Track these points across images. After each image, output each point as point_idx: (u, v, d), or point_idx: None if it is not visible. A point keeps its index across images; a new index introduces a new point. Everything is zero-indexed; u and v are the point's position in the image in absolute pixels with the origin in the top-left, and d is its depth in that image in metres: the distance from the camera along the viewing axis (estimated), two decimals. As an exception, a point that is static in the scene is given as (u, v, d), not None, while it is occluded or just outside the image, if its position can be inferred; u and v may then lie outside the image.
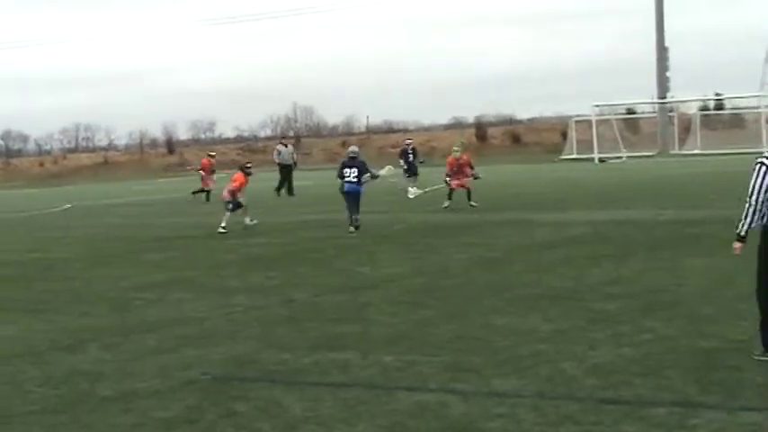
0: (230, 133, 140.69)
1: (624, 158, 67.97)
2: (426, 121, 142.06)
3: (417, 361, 10.22)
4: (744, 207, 9.85)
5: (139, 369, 10.60)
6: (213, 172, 42.97)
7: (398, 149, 43.55)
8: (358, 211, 25.13)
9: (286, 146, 45.20)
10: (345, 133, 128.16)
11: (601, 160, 66.12)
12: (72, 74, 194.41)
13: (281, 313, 13.58)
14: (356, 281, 16.28)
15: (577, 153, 75.44)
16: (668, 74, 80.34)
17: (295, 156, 45.89)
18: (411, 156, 39.14)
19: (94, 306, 15.08)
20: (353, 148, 27.39)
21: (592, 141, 71.69)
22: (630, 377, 9.12)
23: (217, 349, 11.35)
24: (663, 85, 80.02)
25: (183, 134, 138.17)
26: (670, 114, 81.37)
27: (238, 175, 28.01)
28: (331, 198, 30.46)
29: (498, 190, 39.43)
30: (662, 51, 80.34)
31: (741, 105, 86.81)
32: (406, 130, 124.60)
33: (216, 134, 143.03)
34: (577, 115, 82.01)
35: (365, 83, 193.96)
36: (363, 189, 25.65)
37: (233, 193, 27.40)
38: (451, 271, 16.81)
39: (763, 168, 9.68)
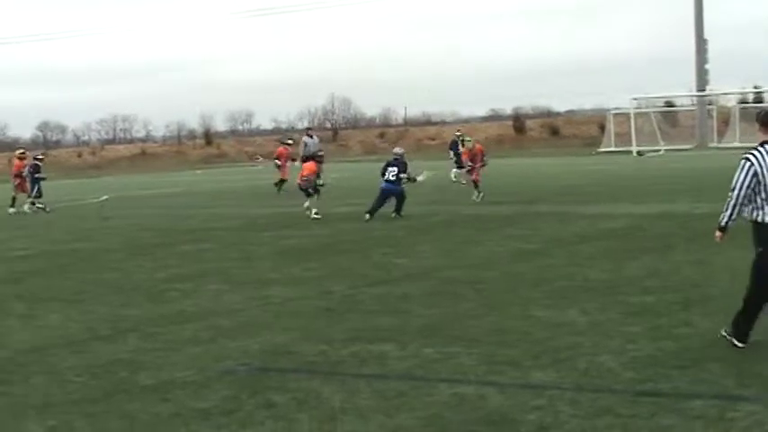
0: (268, 125, 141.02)
1: (662, 151, 67.71)
2: (464, 112, 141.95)
3: (456, 353, 10.23)
4: (728, 200, 10.24)
5: (177, 359, 10.65)
6: (293, 160, 40.92)
7: (449, 141, 43.64)
8: (401, 208, 26.49)
9: (312, 137, 45.19)
10: (383, 125, 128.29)
11: (639, 153, 65.90)
12: (109, 65, 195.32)
13: (318, 305, 13.61)
14: (394, 272, 16.29)
15: (615, 146, 75.26)
16: (707, 66, 79.99)
17: (321, 147, 45.79)
18: (460, 147, 39.14)
19: (132, 296, 15.16)
20: (398, 150, 28.54)
21: (630, 134, 71.50)
22: (668, 370, 9.10)
23: (254, 340, 11.39)
24: (702, 78, 79.66)
25: (220, 125, 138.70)
26: (709, 107, 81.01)
27: (310, 164, 29.28)
28: (368, 190, 30.48)
29: (536, 182, 39.37)
30: (701, 43, 79.98)
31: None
32: (444, 123, 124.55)
33: (253, 125, 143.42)
34: (616, 108, 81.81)
35: (403, 75, 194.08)
36: (401, 188, 26.72)
37: (308, 179, 28.49)
38: (490, 263, 16.80)
39: (747, 164, 9.95)
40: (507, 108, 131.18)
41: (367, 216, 25.78)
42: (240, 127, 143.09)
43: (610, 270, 15.28)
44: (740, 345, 9.88)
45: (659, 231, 20.39)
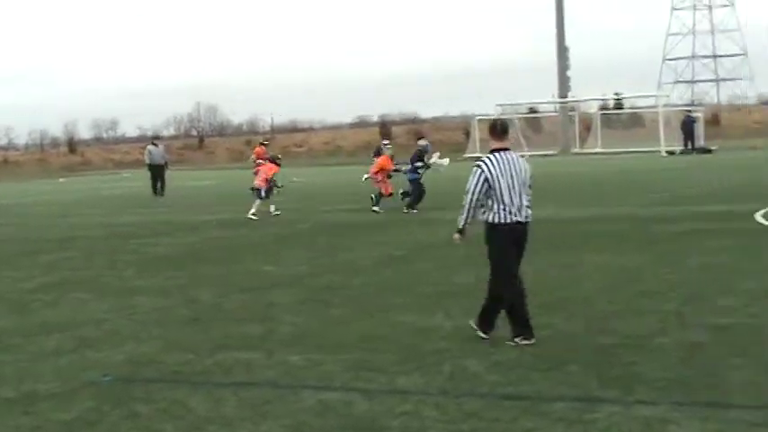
0: (133, 132, 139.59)
1: (526, 157, 68.55)
2: (332, 119, 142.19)
3: (322, 360, 10.25)
4: (463, 204, 10.90)
5: (40, 371, 10.49)
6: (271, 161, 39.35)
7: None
8: (409, 194, 28.66)
9: (157, 146, 45.30)
10: (250, 132, 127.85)
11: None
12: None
13: (184, 314, 13.52)
14: (261, 280, 16.25)
15: (481, 152, 75.87)
16: (569, 73, 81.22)
17: (166, 156, 45.83)
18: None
19: (-6, 308, 14.88)
20: (423, 142, 32.28)
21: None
22: (531, 373, 9.25)
23: (119, 350, 11.27)
24: (564, 85, 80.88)
25: (84, 133, 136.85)
26: (571, 113, 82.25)
27: (271, 166, 30.14)
28: (235, 197, 30.36)
29: (403, 188, 39.54)
30: (562, 51, 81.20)
31: (640, 105, 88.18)
32: (311, 129, 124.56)
33: (118, 133, 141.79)
34: (481, 114, 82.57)
35: (270, 82, 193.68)
36: (417, 177, 28.70)
37: (267, 180, 29.15)
38: (358, 269, 16.85)
39: (479, 170, 10.74)
40: (374, 115, 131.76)
41: (403, 198, 28.54)
42: (105, 135, 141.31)
43: (474, 274, 15.40)
44: (485, 336, 10.77)
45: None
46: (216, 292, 15.13)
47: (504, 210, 10.71)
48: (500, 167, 10.68)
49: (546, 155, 70.12)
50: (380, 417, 8.16)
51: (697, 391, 8.42)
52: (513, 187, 10.69)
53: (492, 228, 10.83)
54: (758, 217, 21.45)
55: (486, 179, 10.66)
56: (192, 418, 8.44)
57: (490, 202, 10.73)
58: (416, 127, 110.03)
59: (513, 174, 10.70)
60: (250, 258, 19.16)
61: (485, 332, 10.84)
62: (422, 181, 29.01)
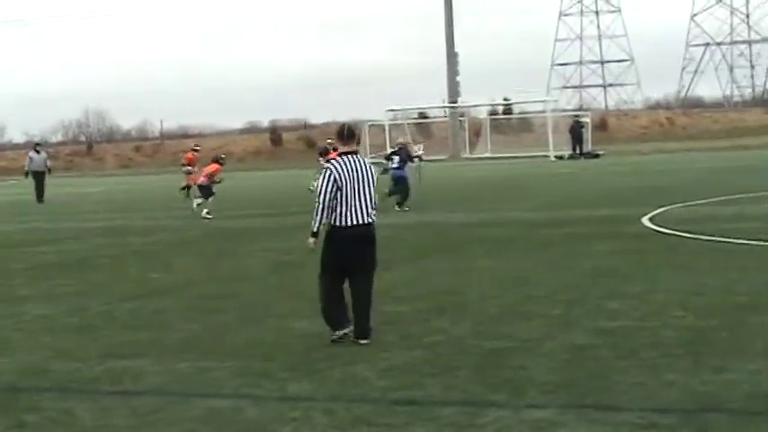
0: (20, 138, 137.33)
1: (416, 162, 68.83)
2: (221, 125, 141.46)
3: (212, 367, 10.18)
4: (314, 207, 11.08)
5: (-77, 382, 10.28)
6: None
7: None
8: (404, 190, 29.60)
9: (39, 152, 44.94)
10: (139, 138, 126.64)
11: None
12: None
13: (72, 322, 13.33)
14: (150, 287, 16.11)
15: (371, 157, 76.13)
16: (458, 79, 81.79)
17: (48, 163, 45.40)
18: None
19: None
20: (401, 140, 33.15)
21: (385, 146, 72.44)
22: (422, 378, 9.28)
23: (5, 359, 11.08)
24: (453, 90, 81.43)
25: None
26: (461, 119, 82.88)
27: (214, 166, 30.75)
28: (124, 204, 30.06)
29: (293, 195, 39.49)
30: (452, 57, 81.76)
31: (529, 110, 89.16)
32: (201, 135, 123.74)
33: (5, 139, 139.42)
34: (371, 120, 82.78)
35: (159, 87, 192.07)
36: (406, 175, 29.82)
37: (210, 176, 30.07)
38: (247, 276, 16.79)
39: (328, 172, 11.06)
40: (264, 121, 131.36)
41: (389, 196, 29.10)
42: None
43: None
44: (335, 335, 10.99)
45: (414, 241, 20.77)
46: (104, 300, 14.94)
47: (350, 212, 11.00)
48: (347, 170, 11.04)
49: (436, 160, 70.48)
50: (270, 423, 8.13)
51: (585, 393, 8.52)
52: (360, 190, 11.04)
53: (334, 229, 11.11)
54: (645, 221, 21.79)
55: (335, 180, 10.98)
56: (79, 427, 8.33)
57: (336, 205, 11.02)
58: (307, 133, 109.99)
59: (360, 177, 11.08)
60: (138, 266, 18.98)
61: (334, 329, 11.08)
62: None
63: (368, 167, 11.26)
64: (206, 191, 30.03)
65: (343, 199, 10.96)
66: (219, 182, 30.72)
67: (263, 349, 10.92)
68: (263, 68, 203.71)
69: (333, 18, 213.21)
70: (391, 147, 31.32)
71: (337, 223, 11.03)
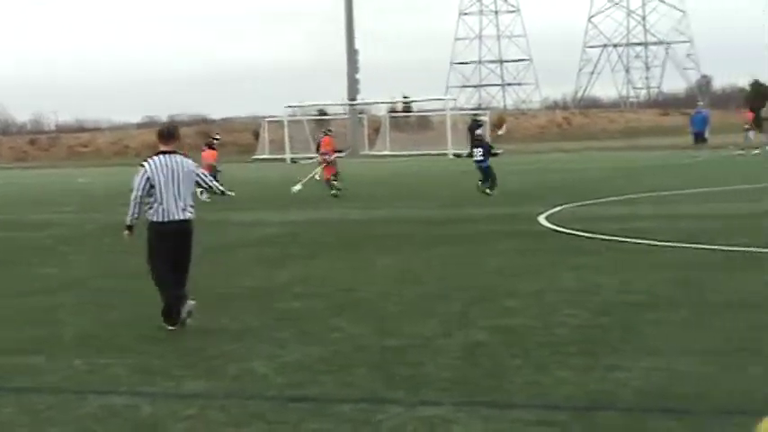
0: None
1: (315, 159, 68.83)
2: (119, 119, 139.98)
3: (107, 364, 10.08)
4: (130, 201, 11.76)
5: None
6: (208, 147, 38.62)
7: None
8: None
9: None
10: (34, 131, 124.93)
11: (293, 161, 66.78)
12: None
13: (-37, 317, 13.11)
14: (44, 283, 15.89)
15: (270, 153, 76.03)
16: (358, 76, 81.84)
17: None
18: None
19: None
20: (480, 132, 34.23)
21: (284, 142, 72.38)
22: (318, 375, 9.28)
23: None
24: (353, 87, 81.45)
25: None
26: (360, 116, 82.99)
27: (210, 152, 33.95)
28: (18, 199, 29.64)
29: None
30: (352, 54, 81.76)
31: (428, 108, 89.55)
32: (97, 129, 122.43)
33: None
34: (270, 116, 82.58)
35: (56, 80, 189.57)
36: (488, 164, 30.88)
37: (211, 167, 32.10)
38: (143, 272, 16.57)
39: (143, 170, 11.66)
40: (163, 115, 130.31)
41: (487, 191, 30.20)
42: None
43: (262, 277, 15.44)
44: (171, 327, 11.54)
45: (312, 238, 20.77)
46: (-4, 296, 14.72)
47: (165, 209, 11.57)
48: (163, 169, 11.60)
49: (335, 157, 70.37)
50: (165, 420, 8.07)
51: (480, 391, 8.58)
52: (175, 188, 11.59)
53: (152, 225, 11.69)
54: (542, 219, 22.00)
55: (149, 178, 11.55)
56: (-31, 425, 8.20)
57: (153, 201, 11.60)
58: (206, 128, 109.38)
59: (176, 176, 11.60)
60: (32, 261, 18.71)
61: (171, 324, 11.58)
62: None
63: (184, 166, 11.76)
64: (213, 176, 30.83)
65: (158, 196, 11.54)
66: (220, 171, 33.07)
67: (158, 346, 10.85)
68: (162, 63, 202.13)
69: (233, 13, 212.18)
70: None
71: (154, 219, 11.65)
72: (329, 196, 31.70)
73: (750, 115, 56.72)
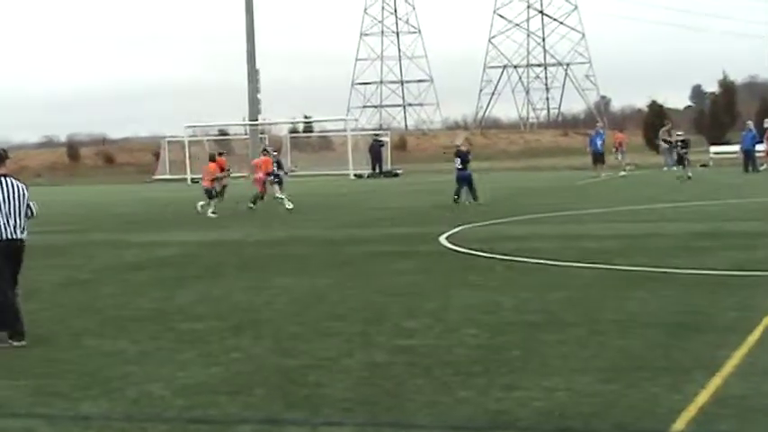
0: None
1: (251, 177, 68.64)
2: (16, 138, 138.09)
3: (3, 386, 9.93)
4: None
5: None
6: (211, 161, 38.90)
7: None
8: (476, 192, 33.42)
9: None
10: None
11: (193, 180, 66.37)
12: None
13: None
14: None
15: (171, 173, 75.52)
16: (259, 96, 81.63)
17: None
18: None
19: None
20: (459, 141, 37.14)
21: (184, 162, 72.00)
22: (218, 396, 9.21)
23: None
24: (254, 107, 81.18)
25: None
26: (261, 136, 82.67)
27: (212, 165, 34.41)
28: None
29: (91, 210, 38.92)
30: (253, 73, 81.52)
31: (329, 128, 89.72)
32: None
33: None
34: (171, 136, 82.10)
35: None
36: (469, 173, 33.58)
37: (212, 180, 33.36)
38: (37, 293, 16.36)
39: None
40: (62, 135, 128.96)
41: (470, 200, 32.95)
42: None
43: (162, 298, 15.30)
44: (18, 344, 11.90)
45: (212, 259, 20.63)
46: None
47: (1, 228, 12.10)
48: None
49: (237, 176, 70.15)
50: (62, 444, 7.97)
51: (381, 411, 8.58)
52: (9, 208, 12.14)
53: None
54: (442, 240, 22.08)
55: None
56: None
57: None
58: (106, 148, 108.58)
59: (10, 197, 12.17)
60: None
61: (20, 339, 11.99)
62: None
63: (18, 188, 12.32)
64: (210, 193, 33.22)
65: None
66: (223, 177, 34.70)
67: (55, 368, 10.70)
68: (61, 82, 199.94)
69: (133, 32, 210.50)
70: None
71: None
72: (229, 217, 31.56)
73: (620, 137, 57.78)
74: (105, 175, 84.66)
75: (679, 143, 43.43)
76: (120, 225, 30.82)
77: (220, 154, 38.06)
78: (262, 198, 34.98)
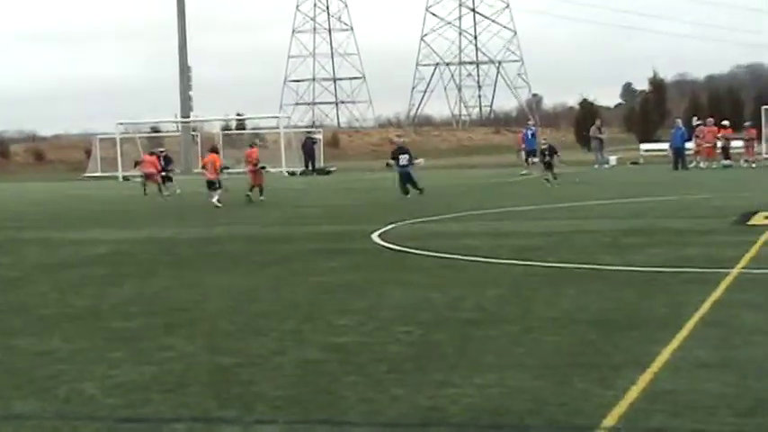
0: None
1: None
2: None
3: (-71, 386, 9.82)
4: None
5: None
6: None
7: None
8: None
9: None
10: None
11: (125, 178, 66.03)
12: None
13: None
14: None
15: (102, 171, 75.14)
16: (191, 93, 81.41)
17: None
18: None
19: None
20: (399, 140, 39.83)
21: (116, 159, 71.62)
22: (151, 395, 9.17)
23: None
24: (186, 104, 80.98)
25: None
26: (193, 133, 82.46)
27: (214, 156, 36.76)
28: None
29: (20, 208, 38.55)
30: (185, 71, 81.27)
31: (262, 125, 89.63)
32: None
33: None
34: (102, 133, 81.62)
35: None
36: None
37: (216, 171, 35.49)
38: (-32, 292, 16.23)
39: None
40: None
41: (407, 195, 34.87)
42: None
43: (93, 296, 15.20)
44: None
45: (144, 256, 20.52)
46: None
47: None
48: None
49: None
50: (-7, 444, 7.91)
51: (314, 408, 8.58)
52: None
53: None
54: (375, 237, 22.13)
55: None
56: None
57: None
58: (36, 145, 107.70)
59: None
60: None
61: None
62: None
63: None
64: (214, 185, 35.25)
65: None
66: (225, 169, 36.79)
67: (-15, 367, 10.60)
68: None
69: (63, 29, 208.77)
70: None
71: None
72: (162, 215, 31.41)
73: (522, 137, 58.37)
74: (36, 173, 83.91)
75: (545, 150, 43.30)
76: (52, 222, 30.57)
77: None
78: (259, 188, 37.03)
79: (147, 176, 45.79)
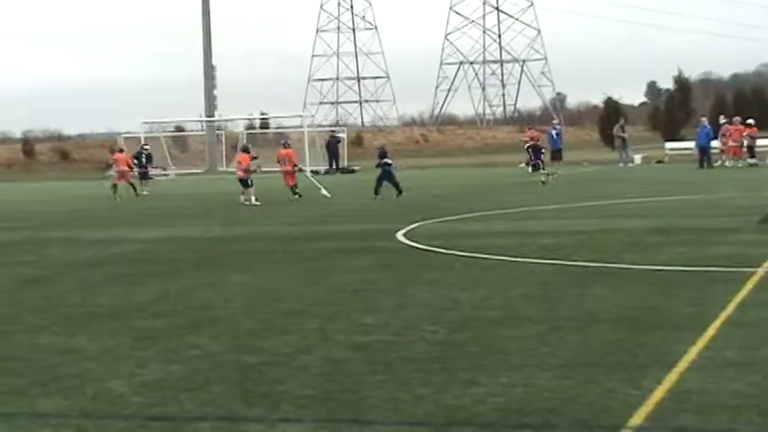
0: None
1: (172, 175, 68.33)
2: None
3: (-43, 384, 9.87)
4: None
5: None
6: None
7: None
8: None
9: None
10: None
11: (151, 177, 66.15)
12: None
13: None
14: None
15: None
16: (216, 92, 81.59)
17: None
18: None
19: None
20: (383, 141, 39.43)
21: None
22: (177, 393, 9.19)
23: None
24: (210, 104, 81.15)
25: None
26: (218, 132, 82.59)
27: (243, 156, 37.71)
28: None
29: (47, 207, 38.69)
30: (209, 70, 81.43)
31: (286, 125, 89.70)
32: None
33: None
34: (127, 132, 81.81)
35: None
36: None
37: (246, 170, 36.23)
38: (-6, 290, 16.30)
39: None
40: (17, 131, 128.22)
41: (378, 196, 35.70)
42: None
43: (120, 295, 15.24)
44: None
45: (169, 255, 20.57)
46: None
47: None
48: None
49: (193, 173, 70.05)
50: (20, 442, 7.94)
51: (339, 407, 8.59)
52: None
53: None
54: (399, 236, 22.11)
55: None
56: None
57: None
58: (61, 145, 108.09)
59: None
60: None
61: None
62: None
63: None
64: (246, 182, 35.92)
65: None
66: (255, 170, 37.44)
67: (11, 365, 10.63)
68: (14, 79, 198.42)
69: (89, 27, 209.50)
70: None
71: None
72: (187, 214, 31.46)
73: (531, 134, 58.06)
74: (61, 172, 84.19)
75: (530, 150, 43.13)
76: (77, 221, 30.68)
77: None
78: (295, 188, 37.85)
79: (121, 175, 45.79)
